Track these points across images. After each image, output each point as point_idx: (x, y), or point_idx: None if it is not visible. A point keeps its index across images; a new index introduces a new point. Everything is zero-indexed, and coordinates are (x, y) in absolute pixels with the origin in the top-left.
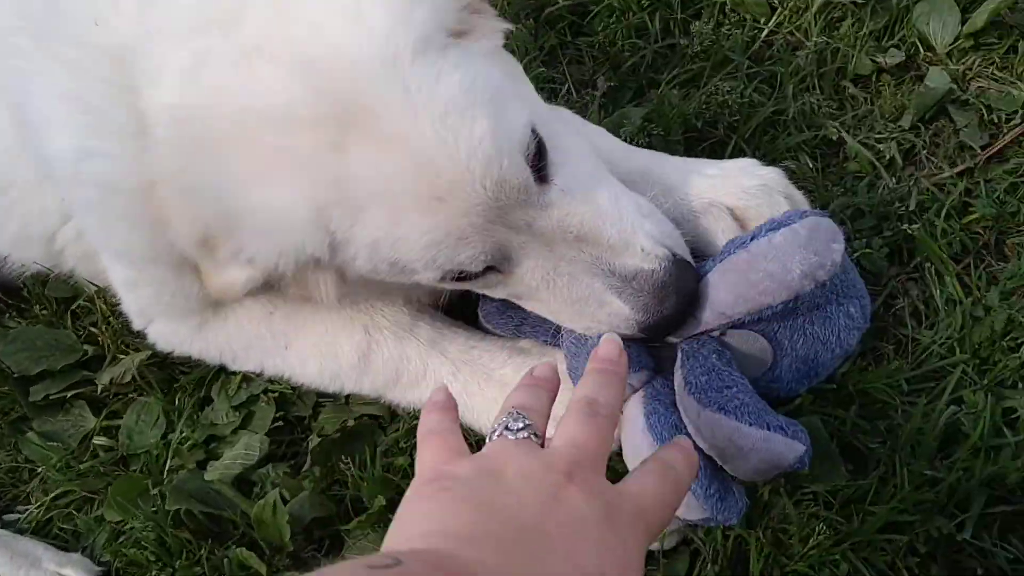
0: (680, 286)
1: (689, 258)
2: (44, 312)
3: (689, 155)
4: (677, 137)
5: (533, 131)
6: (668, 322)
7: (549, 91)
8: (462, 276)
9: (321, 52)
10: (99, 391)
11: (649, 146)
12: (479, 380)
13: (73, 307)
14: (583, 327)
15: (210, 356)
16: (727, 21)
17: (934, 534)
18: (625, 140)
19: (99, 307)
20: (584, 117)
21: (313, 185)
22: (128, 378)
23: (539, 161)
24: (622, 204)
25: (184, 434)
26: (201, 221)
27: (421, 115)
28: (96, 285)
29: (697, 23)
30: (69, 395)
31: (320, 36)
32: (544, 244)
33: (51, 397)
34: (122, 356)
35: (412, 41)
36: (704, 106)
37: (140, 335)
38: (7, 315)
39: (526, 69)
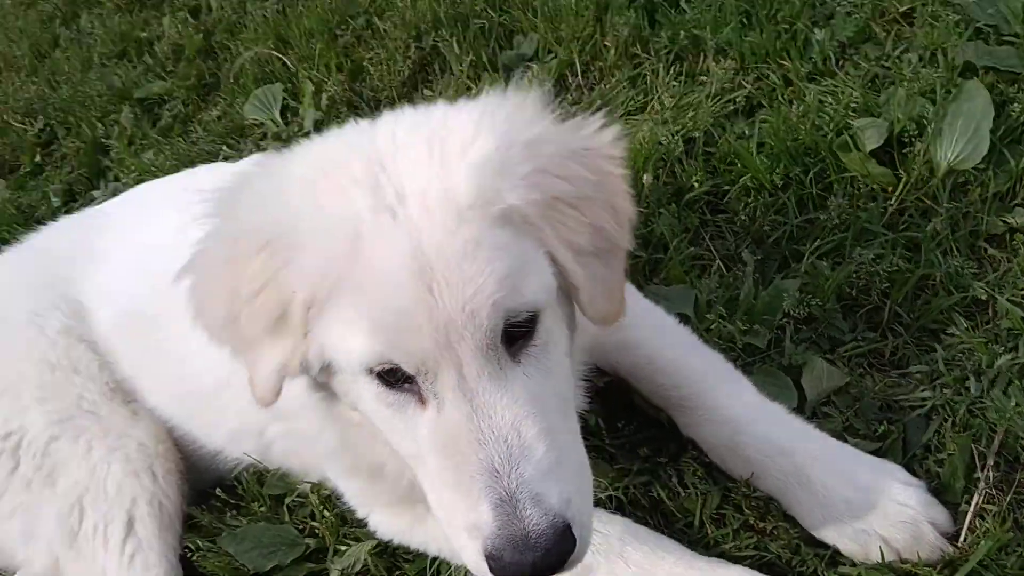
0: (551, 549)
1: (587, 538)
2: (262, 509)
3: (847, 321)
4: (834, 306)
5: (535, 314)
6: (513, 571)
7: (699, 268)
8: (393, 377)
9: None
10: None
11: (809, 316)
12: None
13: (287, 502)
14: (445, 513)
15: (430, 550)
16: (858, 193)
17: None
18: (784, 314)
19: (312, 501)
20: (739, 291)
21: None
22: (358, 568)
23: (521, 339)
24: (563, 440)
25: None
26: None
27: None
28: (309, 482)
29: (832, 198)
30: None
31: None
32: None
33: None
34: (342, 547)
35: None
36: (854, 275)
37: (360, 524)
38: (228, 513)
39: (674, 250)
